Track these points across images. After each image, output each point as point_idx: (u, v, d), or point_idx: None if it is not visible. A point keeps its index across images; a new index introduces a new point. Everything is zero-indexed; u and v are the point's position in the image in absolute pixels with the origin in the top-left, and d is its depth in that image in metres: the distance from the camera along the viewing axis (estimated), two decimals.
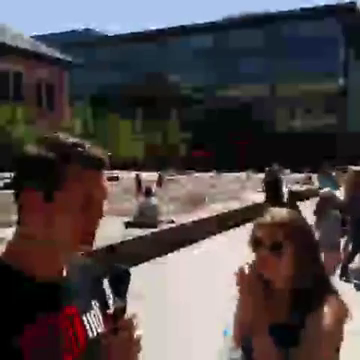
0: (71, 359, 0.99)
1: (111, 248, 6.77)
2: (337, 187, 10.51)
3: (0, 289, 0.93)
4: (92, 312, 1.11)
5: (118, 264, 1.10)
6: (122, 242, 7.41)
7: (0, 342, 0.87)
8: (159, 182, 23.03)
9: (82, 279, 1.12)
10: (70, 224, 0.98)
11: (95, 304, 1.13)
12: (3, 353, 0.87)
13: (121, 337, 1.01)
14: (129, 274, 1.08)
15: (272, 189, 8.56)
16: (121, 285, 1.07)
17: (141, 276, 6.55)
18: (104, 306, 1.13)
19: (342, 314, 1.47)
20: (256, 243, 1.54)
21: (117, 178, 24.71)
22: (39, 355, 0.92)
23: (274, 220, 1.53)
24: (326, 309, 1.44)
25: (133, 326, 1.04)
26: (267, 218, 1.55)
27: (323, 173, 12.58)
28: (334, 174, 13.83)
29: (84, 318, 1.07)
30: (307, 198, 15.27)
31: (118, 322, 1.03)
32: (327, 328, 1.41)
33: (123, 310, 1.04)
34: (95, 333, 1.08)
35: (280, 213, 1.58)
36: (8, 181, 21.93)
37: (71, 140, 1.01)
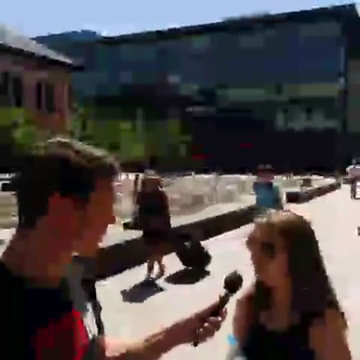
0: None
1: None
2: (277, 200, 7.67)
3: (9, 297, 0.89)
4: (87, 313, 1.10)
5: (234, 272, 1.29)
6: (120, 244, 7.41)
7: (14, 347, 0.86)
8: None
9: (73, 280, 1.11)
10: (97, 232, 0.99)
11: (88, 306, 1.13)
12: (17, 357, 0.86)
13: (219, 322, 1.19)
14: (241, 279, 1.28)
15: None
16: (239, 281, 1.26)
17: (140, 277, 6.66)
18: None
19: (343, 329, 1.46)
20: (251, 243, 1.54)
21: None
22: (52, 358, 0.92)
23: (269, 220, 1.52)
24: (327, 326, 1.42)
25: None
26: (263, 218, 1.54)
27: (261, 178, 8.15)
28: (276, 182, 9.07)
29: (84, 319, 1.08)
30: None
31: (222, 310, 1.21)
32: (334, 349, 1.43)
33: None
34: (91, 335, 1.08)
35: (277, 214, 1.57)
36: (7, 182, 21.74)
37: (95, 149, 1.01)
